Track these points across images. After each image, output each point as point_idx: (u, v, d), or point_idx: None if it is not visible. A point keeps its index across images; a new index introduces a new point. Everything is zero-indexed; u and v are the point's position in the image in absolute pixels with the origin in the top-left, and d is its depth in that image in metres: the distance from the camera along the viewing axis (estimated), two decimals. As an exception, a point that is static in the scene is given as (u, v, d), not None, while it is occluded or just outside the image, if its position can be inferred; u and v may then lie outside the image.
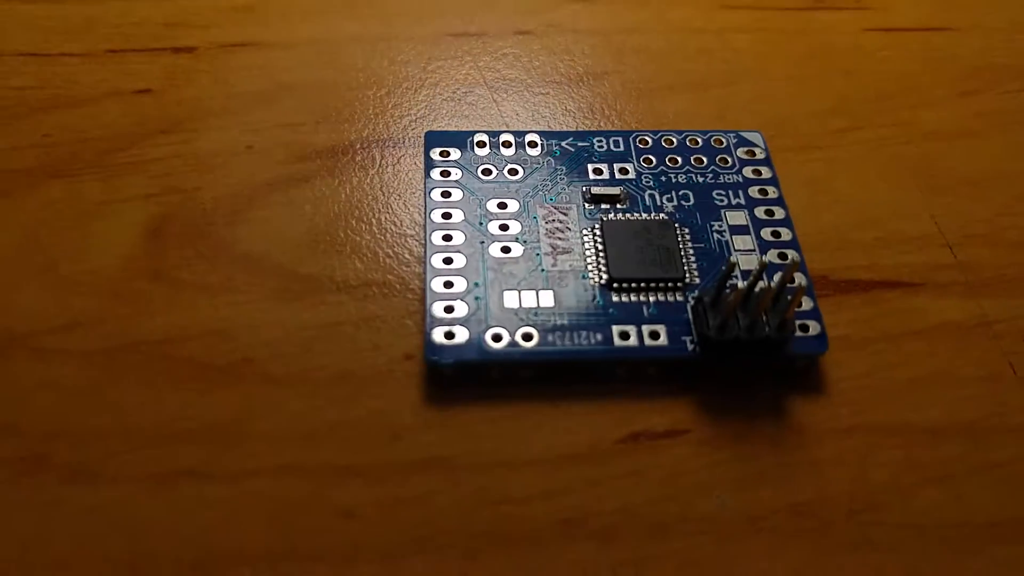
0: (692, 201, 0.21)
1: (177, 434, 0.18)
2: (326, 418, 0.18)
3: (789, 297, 0.18)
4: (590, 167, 0.22)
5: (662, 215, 0.21)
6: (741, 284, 0.18)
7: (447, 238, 0.20)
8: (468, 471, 0.18)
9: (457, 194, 0.21)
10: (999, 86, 0.26)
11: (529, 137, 0.23)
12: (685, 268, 0.20)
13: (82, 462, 0.17)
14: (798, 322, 0.19)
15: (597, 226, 0.21)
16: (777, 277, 0.18)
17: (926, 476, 0.18)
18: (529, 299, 0.19)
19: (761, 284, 0.18)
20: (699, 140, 0.23)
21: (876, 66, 0.27)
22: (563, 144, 0.23)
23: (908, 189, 0.23)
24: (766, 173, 0.22)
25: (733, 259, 0.18)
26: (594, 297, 0.19)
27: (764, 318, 0.18)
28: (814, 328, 0.19)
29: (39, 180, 0.22)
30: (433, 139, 0.22)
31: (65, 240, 0.21)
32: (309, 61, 0.25)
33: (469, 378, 0.19)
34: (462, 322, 0.19)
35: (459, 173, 0.22)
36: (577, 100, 0.25)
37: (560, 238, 0.20)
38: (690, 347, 0.19)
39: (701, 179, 0.22)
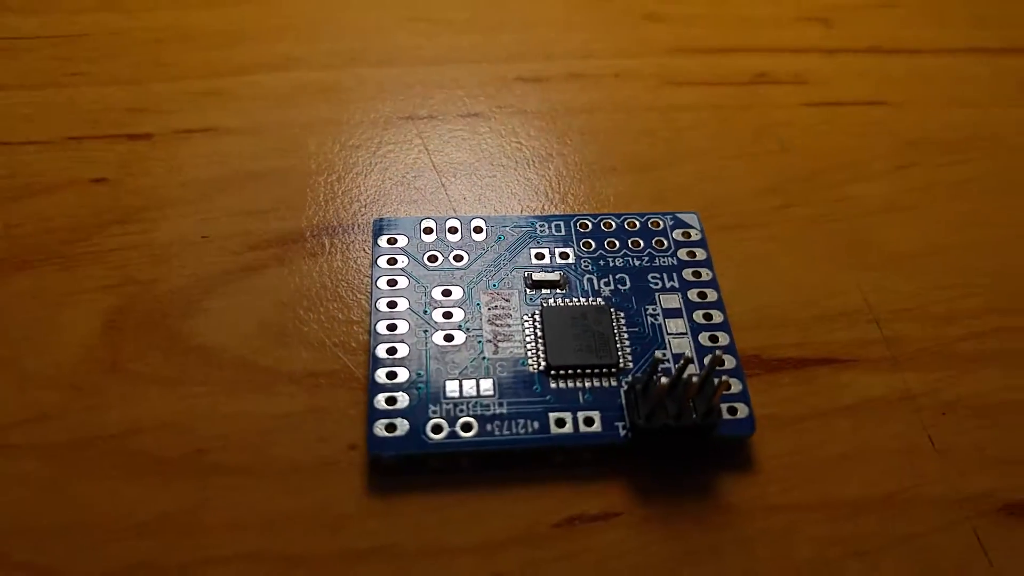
0: (628, 285, 0.22)
1: (133, 527, 0.18)
2: (274, 508, 0.19)
3: (717, 381, 0.19)
4: (533, 252, 0.23)
5: (599, 299, 0.22)
6: (672, 370, 0.19)
7: (392, 327, 0.21)
8: (411, 559, 0.18)
9: (403, 282, 0.22)
10: (932, 159, 0.27)
11: (475, 223, 0.23)
12: (619, 354, 0.21)
13: (40, 560, 0.18)
14: (727, 405, 0.20)
15: (537, 312, 0.21)
16: (706, 361, 0.19)
17: (847, 550, 0.19)
18: (470, 387, 0.20)
19: (691, 368, 0.19)
20: (637, 223, 0.24)
21: (813, 141, 0.28)
22: (507, 229, 0.23)
23: (841, 266, 0.24)
24: (700, 255, 0.23)
25: (660, 354, 0.19)
26: (532, 384, 0.20)
27: (692, 405, 0.19)
28: (742, 411, 0.20)
29: (5, 272, 0.22)
30: (381, 226, 0.23)
31: (29, 333, 0.21)
32: (262, 147, 0.26)
33: (411, 468, 0.19)
34: (403, 414, 0.19)
35: (405, 260, 0.22)
36: (523, 183, 0.26)
37: (501, 324, 0.21)
38: (623, 433, 0.19)
39: (637, 262, 0.23)
